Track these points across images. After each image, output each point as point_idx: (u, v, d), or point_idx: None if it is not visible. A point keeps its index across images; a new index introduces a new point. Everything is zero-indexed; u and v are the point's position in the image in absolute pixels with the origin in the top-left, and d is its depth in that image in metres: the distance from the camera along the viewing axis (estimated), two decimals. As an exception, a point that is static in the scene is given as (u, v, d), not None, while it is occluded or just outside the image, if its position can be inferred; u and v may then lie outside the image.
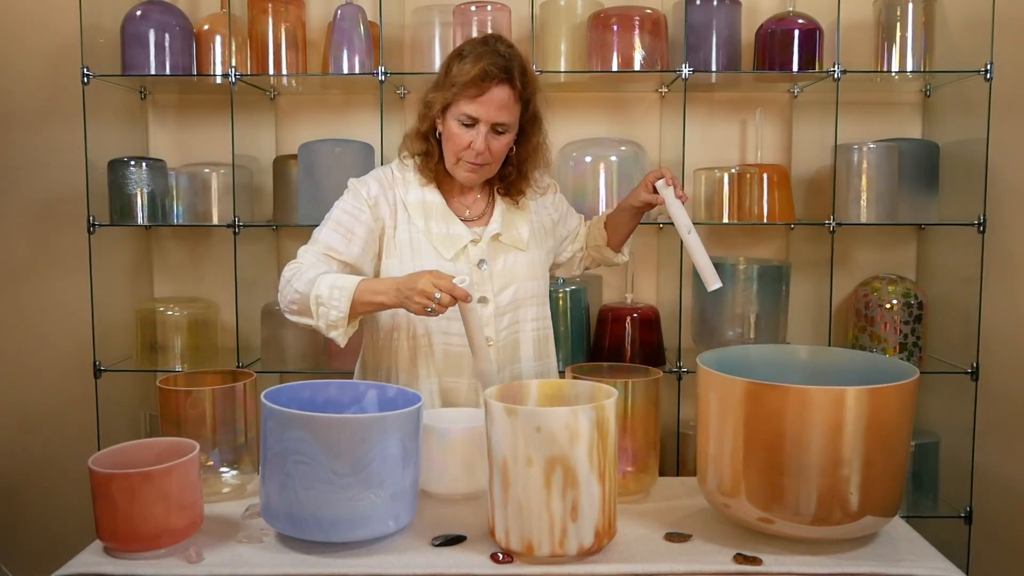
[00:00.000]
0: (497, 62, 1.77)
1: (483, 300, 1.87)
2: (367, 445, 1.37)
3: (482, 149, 1.80)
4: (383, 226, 1.88)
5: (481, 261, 1.88)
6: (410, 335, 1.88)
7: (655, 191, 1.90)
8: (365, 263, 1.86)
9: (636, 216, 2.03)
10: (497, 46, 1.81)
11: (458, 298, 1.63)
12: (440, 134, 1.86)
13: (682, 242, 1.88)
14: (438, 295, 1.62)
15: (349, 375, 2.07)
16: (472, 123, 1.79)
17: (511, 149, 1.89)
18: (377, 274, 1.89)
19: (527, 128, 1.89)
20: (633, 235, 2.13)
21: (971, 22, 2.56)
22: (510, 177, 1.93)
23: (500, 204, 1.95)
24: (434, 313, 1.64)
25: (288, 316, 1.80)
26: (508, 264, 1.91)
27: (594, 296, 2.78)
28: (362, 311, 1.74)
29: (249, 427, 1.69)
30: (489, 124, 1.79)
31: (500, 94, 1.78)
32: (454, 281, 1.63)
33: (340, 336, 1.74)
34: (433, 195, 1.90)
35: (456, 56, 1.83)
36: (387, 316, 1.90)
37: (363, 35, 2.60)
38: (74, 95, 2.58)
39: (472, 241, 1.88)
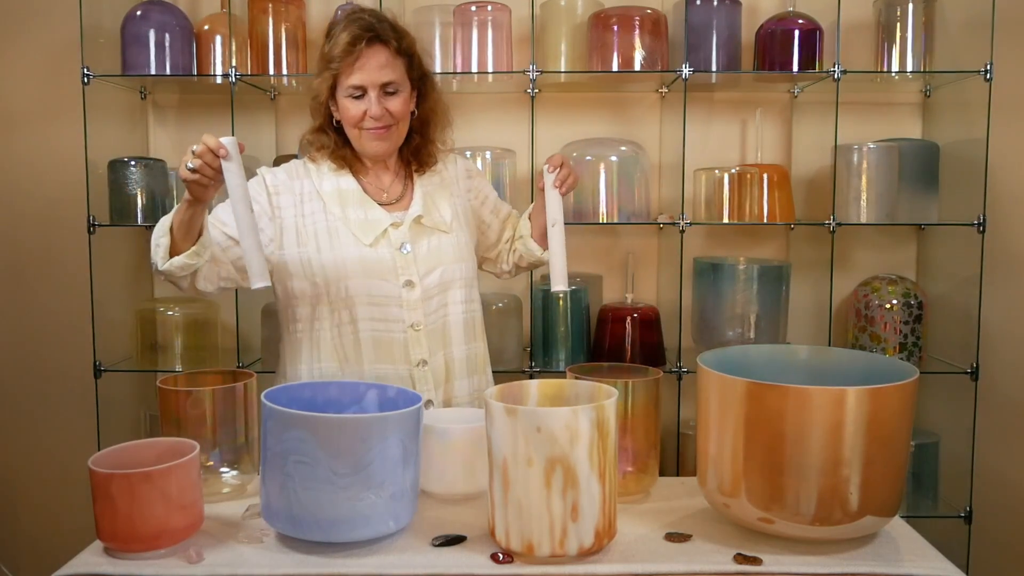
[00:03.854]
0: (362, 24, 1.80)
1: (409, 284, 1.86)
2: (367, 445, 1.37)
3: (379, 113, 1.81)
4: (283, 215, 1.87)
5: (403, 244, 1.86)
6: (334, 323, 1.86)
7: None
8: None
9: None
10: (359, 13, 1.83)
11: (211, 147, 1.53)
12: (337, 122, 1.88)
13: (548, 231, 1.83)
14: (196, 147, 1.54)
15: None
16: (361, 92, 1.80)
17: (412, 113, 1.90)
18: (284, 262, 1.86)
19: (421, 88, 1.90)
20: (633, 236, 2.10)
21: (971, 22, 2.56)
22: (415, 143, 1.94)
23: (420, 187, 1.94)
24: (194, 172, 1.56)
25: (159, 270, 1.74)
26: (432, 247, 1.90)
27: (594, 296, 2.78)
28: (180, 219, 1.66)
29: (249, 427, 1.69)
30: (377, 87, 1.80)
31: (376, 53, 1.79)
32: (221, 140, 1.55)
33: (163, 255, 1.69)
34: (348, 182, 1.90)
35: (326, 38, 1.85)
36: (308, 307, 1.88)
37: (363, 35, 2.59)
38: (74, 95, 2.58)
39: (392, 225, 1.87)
